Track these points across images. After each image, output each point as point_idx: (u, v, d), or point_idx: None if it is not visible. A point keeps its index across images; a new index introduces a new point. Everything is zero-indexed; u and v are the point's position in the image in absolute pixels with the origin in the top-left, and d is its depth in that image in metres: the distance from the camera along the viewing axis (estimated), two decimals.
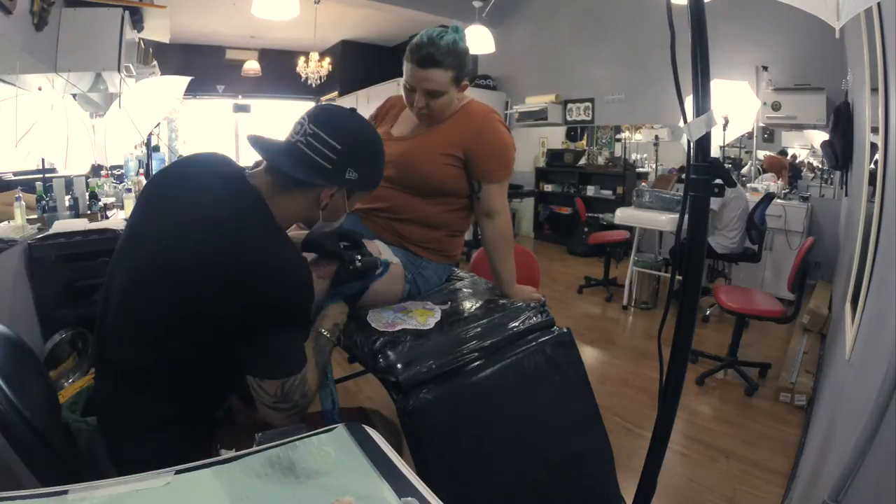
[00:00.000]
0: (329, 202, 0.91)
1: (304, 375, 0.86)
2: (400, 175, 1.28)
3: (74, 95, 3.23)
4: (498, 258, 1.35)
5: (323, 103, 0.93)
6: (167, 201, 0.88)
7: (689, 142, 0.96)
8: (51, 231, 2.00)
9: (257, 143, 0.92)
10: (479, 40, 4.89)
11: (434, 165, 1.26)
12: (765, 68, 4.04)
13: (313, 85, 7.13)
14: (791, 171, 4.20)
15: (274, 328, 0.81)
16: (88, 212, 2.46)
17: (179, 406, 0.86)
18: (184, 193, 0.87)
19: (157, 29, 3.69)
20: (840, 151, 3.04)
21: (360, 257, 1.10)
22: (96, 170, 3.13)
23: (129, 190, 2.73)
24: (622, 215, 3.64)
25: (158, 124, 3.65)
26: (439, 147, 1.26)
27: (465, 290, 1.42)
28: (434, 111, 1.24)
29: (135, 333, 0.82)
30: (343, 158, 0.86)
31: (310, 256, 1.09)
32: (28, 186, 2.37)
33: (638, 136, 5.68)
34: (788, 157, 4.34)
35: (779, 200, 3.72)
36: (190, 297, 0.78)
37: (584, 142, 6.02)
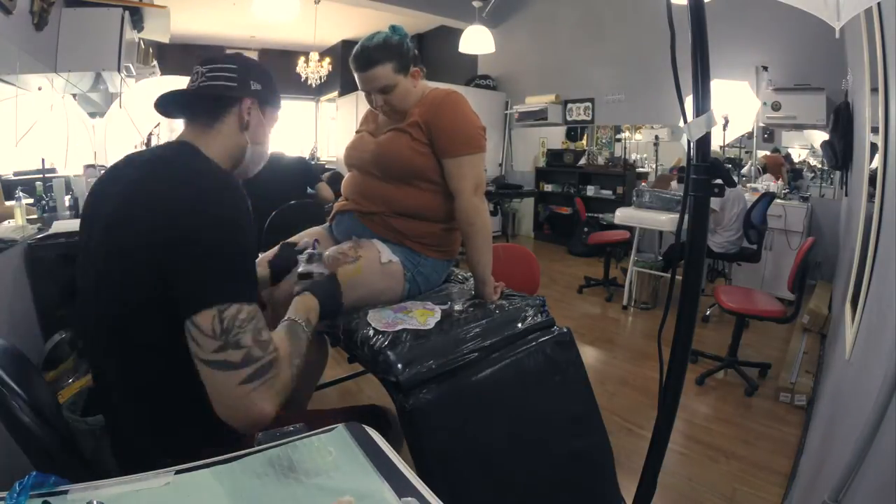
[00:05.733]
0: (249, 118, 0.94)
1: (253, 312, 0.74)
2: (379, 165, 1.32)
3: (74, 95, 3.24)
4: (466, 244, 1.34)
5: None
6: (105, 183, 0.89)
7: (689, 142, 0.96)
8: (51, 231, 2.00)
9: (165, 100, 0.94)
10: (479, 40, 4.89)
11: (407, 149, 1.29)
12: (765, 68, 4.04)
13: (313, 85, 7.13)
14: (792, 172, 4.20)
15: (197, 251, 0.73)
16: None
17: (172, 395, 0.81)
18: (115, 172, 0.89)
19: (157, 29, 3.70)
20: (840, 151, 3.04)
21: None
22: (91, 169, 3.11)
23: None
24: (622, 215, 3.64)
25: (158, 124, 3.65)
26: (408, 132, 1.30)
27: (465, 290, 1.42)
28: (393, 104, 1.32)
29: (102, 325, 0.80)
30: (242, 73, 0.93)
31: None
32: (28, 186, 2.37)
33: (638, 136, 5.68)
34: (782, 155, 4.34)
35: (779, 200, 3.73)
36: (130, 252, 0.75)
37: (584, 142, 6.02)
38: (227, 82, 0.92)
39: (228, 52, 1.00)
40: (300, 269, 1.12)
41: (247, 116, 0.94)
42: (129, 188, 0.81)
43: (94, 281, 0.80)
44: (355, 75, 1.30)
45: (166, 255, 0.73)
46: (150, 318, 0.76)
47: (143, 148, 3.54)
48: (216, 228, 0.74)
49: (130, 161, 0.89)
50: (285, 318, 0.91)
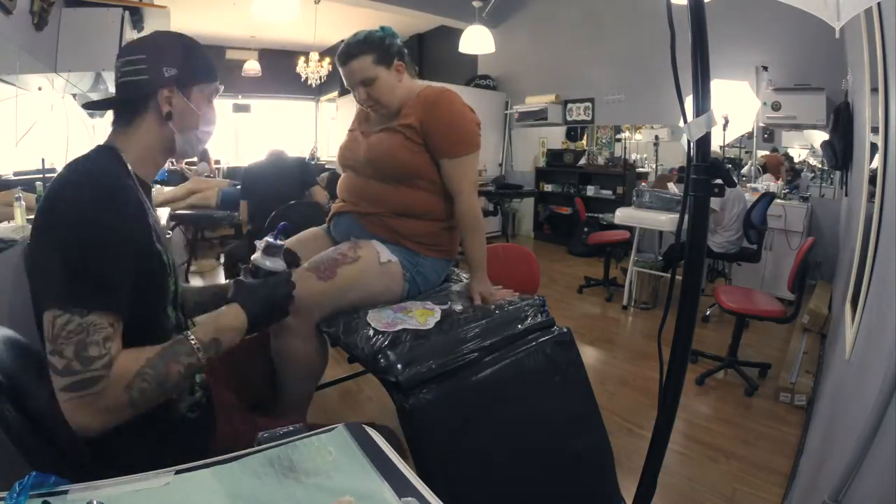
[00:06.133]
0: (171, 108, 0.88)
1: (86, 326, 0.70)
2: (373, 166, 1.32)
3: (74, 95, 3.24)
4: (462, 238, 1.36)
5: None
6: None
7: (689, 142, 0.96)
8: None
9: (91, 104, 0.95)
10: (479, 40, 4.89)
11: (400, 149, 1.29)
12: (765, 68, 4.04)
13: (313, 85, 7.14)
14: (792, 172, 4.20)
15: (46, 250, 0.73)
16: None
17: None
18: None
19: (157, 29, 3.69)
20: (840, 151, 3.04)
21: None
22: None
23: None
24: (622, 215, 3.64)
25: None
26: (401, 132, 1.30)
27: (465, 289, 1.42)
28: (377, 98, 1.31)
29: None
30: (151, 61, 0.86)
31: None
32: (28, 186, 2.37)
33: (638, 136, 5.68)
34: (781, 155, 4.34)
35: (779, 200, 3.73)
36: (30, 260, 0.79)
37: (584, 142, 6.02)
38: (137, 76, 0.86)
39: (144, 36, 0.93)
40: (252, 257, 0.94)
41: (167, 107, 0.87)
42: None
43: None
44: (340, 72, 1.33)
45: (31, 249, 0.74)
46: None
47: None
48: (65, 227, 0.71)
49: None
50: (186, 331, 0.83)
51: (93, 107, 0.98)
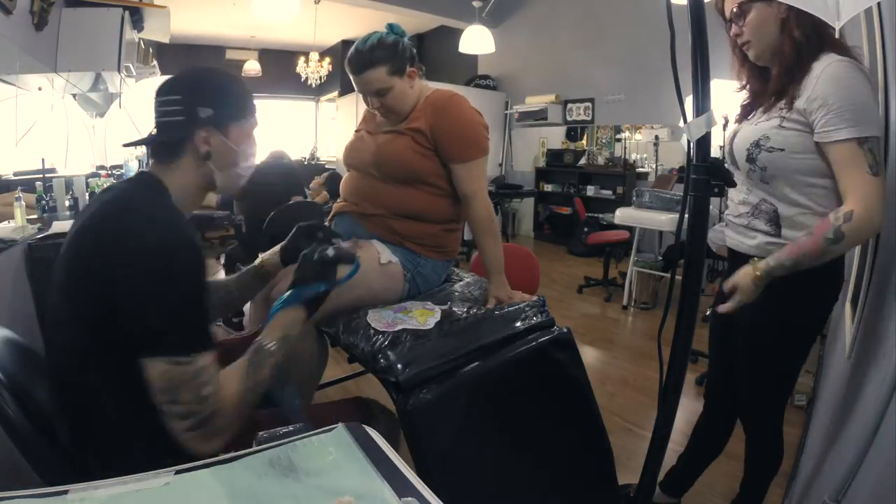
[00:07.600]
0: (209, 148, 0.88)
1: (198, 371, 0.74)
2: (378, 167, 1.31)
3: (74, 95, 3.24)
4: (478, 243, 1.36)
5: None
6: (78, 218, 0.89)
7: (689, 142, 0.96)
8: (51, 231, 2.00)
9: (134, 141, 0.96)
10: (479, 40, 4.90)
11: (407, 151, 1.28)
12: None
13: (313, 85, 7.14)
14: None
15: (142, 295, 0.72)
16: None
17: (124, 422, 0.78)
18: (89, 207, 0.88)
19: (157, 29, 3.70)
20: None
21: (332, 246, 0.99)
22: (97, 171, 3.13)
23: None
24: (622, 215, 3.64)
25: None
26: (409, 135, 1.29)
27: (465, 289, 1.42)
28: (390, 106, 1.30)
29: (62, 349, 0.79)
30: (186, 102, 0.86)
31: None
32: (28, 186, 2.37)
33: (638, 136, 5.68)
34: None
35: None
36: (84, 288, 0.75)
37: (584, 142, 6.02)
38: (174, 117, 0.86)
39: (181, 73, 0.91)
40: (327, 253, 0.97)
41: (205, 147, 0.87)
42: (85, 226, 0.79)
43: (52, 311, 0.80)
44: (351, 77, 1.30)
45: (112, 305, 0.72)
46: (99, 356, 0.75)
47: (143, 149, 3.55)
48: (158, 280, 0.72)
49: (99, 195, 0.89)
50: (256, 340, 0.87)
51: (136, 144, 0.97)
